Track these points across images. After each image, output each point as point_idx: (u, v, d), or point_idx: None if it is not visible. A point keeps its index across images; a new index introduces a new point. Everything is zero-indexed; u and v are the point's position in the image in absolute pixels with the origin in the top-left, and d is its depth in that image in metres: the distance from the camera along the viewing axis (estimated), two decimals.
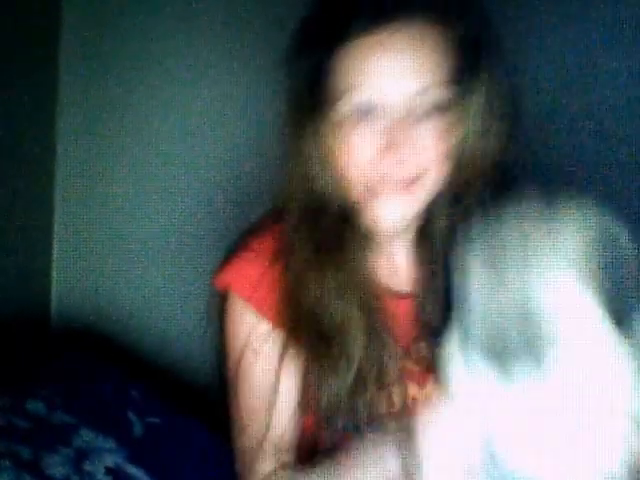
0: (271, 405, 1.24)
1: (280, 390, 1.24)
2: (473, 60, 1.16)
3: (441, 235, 1.23)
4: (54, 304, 1.87)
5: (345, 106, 1.15)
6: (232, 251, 1.31)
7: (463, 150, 1.17)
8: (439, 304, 1.21)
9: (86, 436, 1.29)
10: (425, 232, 1.25)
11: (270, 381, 1.24)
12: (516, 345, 0.98)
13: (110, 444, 1.30)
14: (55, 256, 1.87)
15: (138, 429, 1.38)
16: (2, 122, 1.65)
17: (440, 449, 1.05)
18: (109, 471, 1.26)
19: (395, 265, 1.29)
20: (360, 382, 1.20)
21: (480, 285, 1.00)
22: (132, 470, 1.28)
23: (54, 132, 1.84)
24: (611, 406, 0.98)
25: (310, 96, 1.19)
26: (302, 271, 1.22)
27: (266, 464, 1.24)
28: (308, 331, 1.22)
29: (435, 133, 1.15)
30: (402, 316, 1.25)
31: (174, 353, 1.81)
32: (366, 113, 1.15)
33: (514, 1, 1.67)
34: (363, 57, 1.14)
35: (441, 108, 1.15)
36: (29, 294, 1.81)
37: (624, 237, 0.98)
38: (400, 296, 1.28)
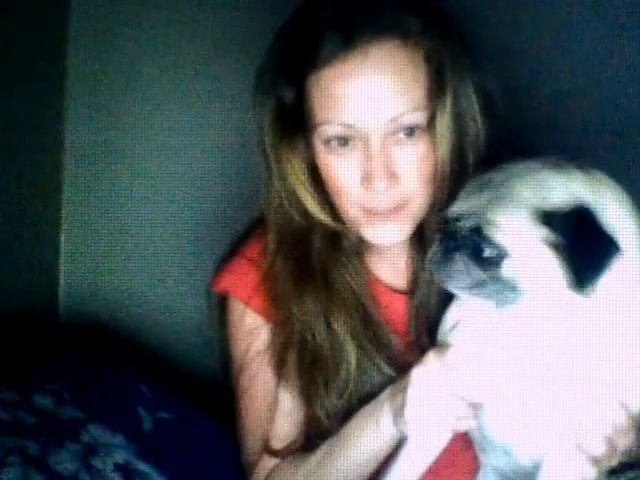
0: (272, 407, 1.27)
1: (280, 393, 1.26)
2: (443, 77, 1.16)
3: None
4: (62, 297, 1.86)
5: (322, 136, 1.16)
6: (227, 256, 1.32)
7: (443, 168, 1.17)
8: (436, 300, 1.22)
9: (95, 431, 1.28)
10: (420, 234, 1.26)
11: (271, 384, 1.26)
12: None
13: (119, 440, 1.29)
14: (63, 249, 1.86)
15: (148, 424, 1.37)
16: (10, 115, 1.64)
17: (428, 404, 1.05)
18: (118, 467, 1.25)
19: (393, 263, 1.31)
20: (356, 393, 1.22)
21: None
22: (141, 466, 1.27)
23: (62, 125, 1.82)
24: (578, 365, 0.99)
25: (284, 126, 1.21)
26: (285, 299, 1.24)
27: (269, 461, 1.27)
28: (299, 356, 1.24)
29: (414, 158, 1.16)
30: (402, 311, 1.28)
31: (183, 345, 1.80)
32: (343, 142, 1.15)
33: None
34: (333, 89, 1.14)
35: (416, 130, 1.15)
36: (37, 288, 1.80)
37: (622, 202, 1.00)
38: (399, 292, 1.30)
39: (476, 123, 1.20)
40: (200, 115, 1.81)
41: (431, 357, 1.06)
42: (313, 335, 1.23)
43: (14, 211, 1.68)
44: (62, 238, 1.85)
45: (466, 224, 1.01)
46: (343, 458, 1.19)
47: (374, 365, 1.22)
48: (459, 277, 1.03)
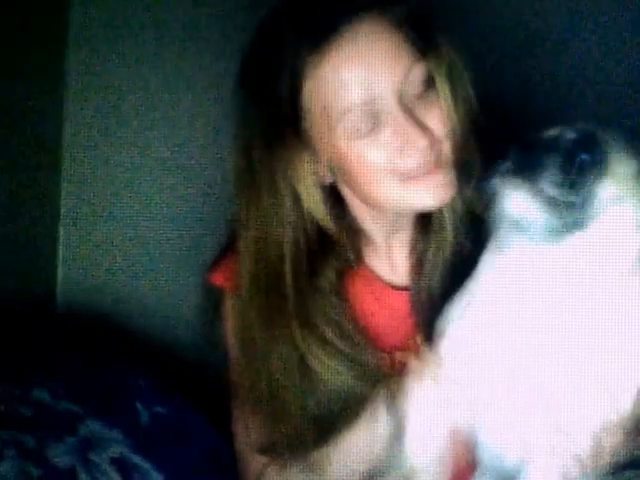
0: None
1: None
2: (427, 33, 1.18)
3: (449, 222, 1.23)
4: (60, 292, 1.86)
5: (348, 126, 1.14)
6: (222, 251, 1.32)
7: (455, 117, 1.18)
8: (435, 296, 1.21)
9: (92, 425, 1.29)
10: (423, 225, 1.25)
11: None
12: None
13: (116, 434, 1.30)
14: (61, 243, 1.86)
15: (144, 418, 1.38)
16: (8, 113, 1.64)
17: (424, 410, 1.04)
18: (114, 461, 1.25)
19: (391, 259, 1.30)
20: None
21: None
22: (137, 460, 1.28)
23: (60, 122, 1.83)
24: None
25: (282, 138, 1.18)
26: (255, 341, 1.23)
27: (262, 457, 1.26)
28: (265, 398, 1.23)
29: (435, 108, 1.16)
30: (400, 309, 1.26)
31: (180, 339, 1.80)
32: (371, 127, 1.14)
33: None
34: (340, 73, 1.13)
35: (427, 83, 1.16)
36: (35, 282, 1.80)
37: None
38: (398, 289, 1.29)
39: (467, 90, 1.21)
40: (199, 113, 1.81)
41: (426, 361, 1.06)
42: (282, 376, 1.22)
43: (13, 206, 1.68)
44: (60, 233, 1.85)
45: (569, 136, 0.96)
46: (338, 452, 1.19)
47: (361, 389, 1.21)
48: (537, 185, 0.95)
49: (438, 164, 1.17)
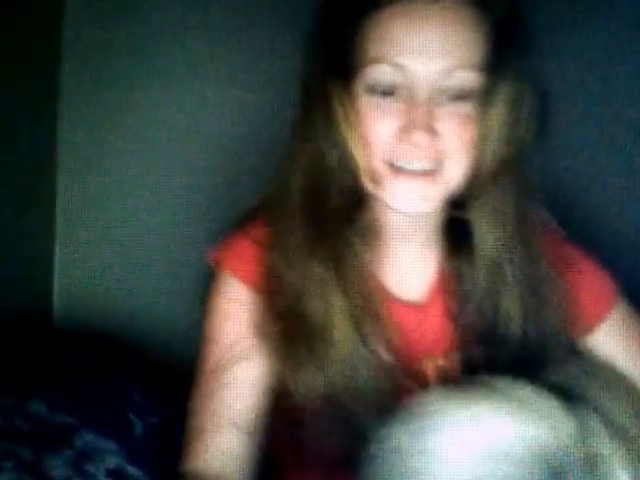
0: (228, 384, 1.18)
1: (244, 368, 1.18)
2: (504, 49, 1.11)
3: (479, 236, 1.17)
4: (56, 302, 1.87)
5: (368, 79, 1.10)
6: (226, 233, 1.27)
7: (485, 142, 1.11)
8: (471, 317, 1.18)
9: (87, 437, 1.29)
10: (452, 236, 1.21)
11: (236, 356, 1.18)
12: None
13: (111, 445, 1.30)
14: (57, 253, 1.87)
15: (138, 429, 1.38)
16: (2, 120, 1.64)
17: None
18: (110, 472, 1.26)
19: (400, 270, 1.23)
20: (341, 376, 1.13)
21: None
22: (132, 471, 1.28)
23: (54, 141, 1.84)
24: None
25: (335, 66, 1.13)
26: (290, 256, 1.16)
27: (211, 443, 1.18)
28: (288, 316, 1.15)
29: (457, 120, 1.09)
30: (402, 325, 1.19)
31: (177, 352, 1.80)
32: (389, 89, 1.09)
33: None
34: (392, 29, 1.08)
35: (466, 94, 1.09)
36: (31, 293, 1.81)
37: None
38: (402, 303, 1.22)
39: (525, 108, 1.13)
40: (193, 136, 1.82)
41: None
42: (306, 301, 1.14)
43: (8, 222, 1.69)
44: (56, 243, 1.86)
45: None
46: None
47: (366, 352, 1.14)
48: None
49: (431, 173, 1.11)
